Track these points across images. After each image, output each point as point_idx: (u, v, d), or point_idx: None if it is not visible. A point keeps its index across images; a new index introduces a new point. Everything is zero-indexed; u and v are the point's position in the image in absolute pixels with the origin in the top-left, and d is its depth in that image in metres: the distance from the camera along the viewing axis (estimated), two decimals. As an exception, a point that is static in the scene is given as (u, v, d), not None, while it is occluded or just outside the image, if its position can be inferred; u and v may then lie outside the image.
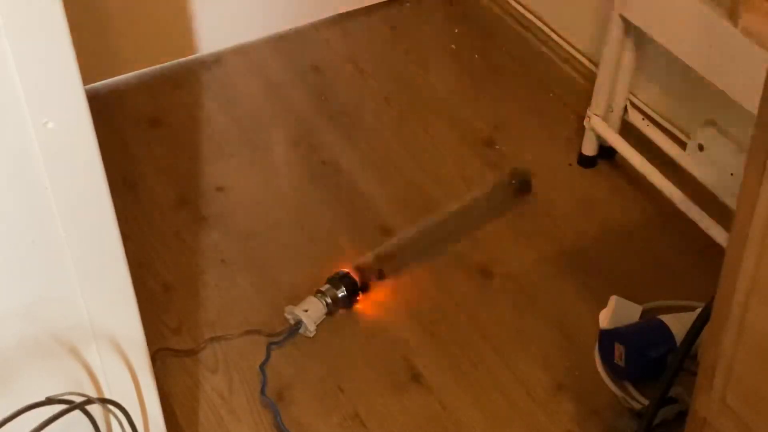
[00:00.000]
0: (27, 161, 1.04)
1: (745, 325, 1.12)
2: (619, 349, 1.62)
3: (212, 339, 1.72)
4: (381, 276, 1.80)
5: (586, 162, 2.04)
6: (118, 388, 1.28)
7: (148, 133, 2.11)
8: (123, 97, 2.20)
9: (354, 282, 1.76)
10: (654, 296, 1.75)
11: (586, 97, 2.01)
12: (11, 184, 1.05)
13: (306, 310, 1.72)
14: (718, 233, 1.74)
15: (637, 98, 1.99)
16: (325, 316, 1.74)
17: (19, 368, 1.19)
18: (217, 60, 2.29)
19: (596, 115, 1.97)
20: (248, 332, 1.73)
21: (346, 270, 1.77)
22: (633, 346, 1.61)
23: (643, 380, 1.63)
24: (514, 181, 1.98)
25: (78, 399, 1.15)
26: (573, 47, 2.18)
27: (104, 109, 2.12)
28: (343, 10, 2.40)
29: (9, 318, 1.14)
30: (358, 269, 1.78)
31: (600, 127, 1.97)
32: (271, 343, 1.70)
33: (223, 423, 1.61)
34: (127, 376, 1.28)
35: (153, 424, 1.37)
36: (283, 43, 2.34)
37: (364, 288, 1.77)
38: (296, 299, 1.74)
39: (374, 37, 2.38)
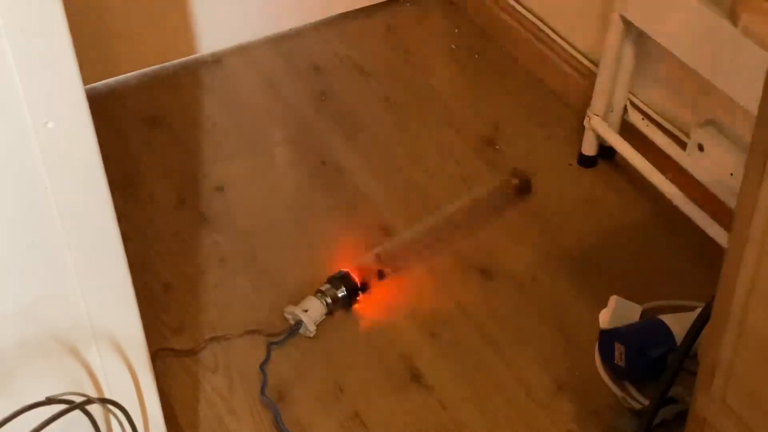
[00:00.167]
0: (27, 161, 1.04)
1: (745, 325, 1.12)
2: (619, 349, 1.62)
3: (212, 339, 1.72)
4: (381, 276, 1.80)
5: (586, 162, 2.04)
6: (118, 388, 1.28)
7: (148, 133, 2.11)
8: (123, 97, 2.20)
9: (354, 282, 1.76)
10: (654, 296, 1.75)
11: (586, 97, 2.01)
12: (11, 184, 1.05)
13: (306, 310, 1.72)
14: (718, 233, 1.74)
15: (637, 98, 1.99)
16: (325, 316, 1.74)
17: (19, 368, 1.19)
18: (217, 60, 2.29)
19: (596, 115, 1.97)
20: (248, 332, 1.73)
21: (346, 270, 1.77)
22: (633, 346, 1.61)
23: (643, 380, 1.63)
24: (514, 181, 1.98)
25: (78, 399, 1.15)
26: (573, 47, 2.17)
27: (104, 109, 2.12)
28: (343, 10, 2.40)
29: (9, 318, 1.14)
30: (358, 269, 1.78)
31: (600, 126, 1.97)
32: (271, 343, 1.70)
33: (223, 423, 1.61)
34: (127, 376, 1.28)
35: (153, 424, 1.37)
36: (283, 43, 2.34)
37: (364, 288, 1.77)
38: (296, 299, 1.75)
39: (374, 37, 2.38)
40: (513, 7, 2.31)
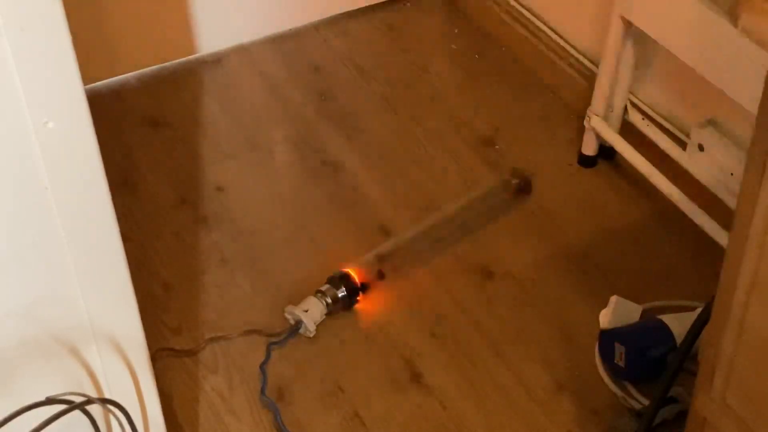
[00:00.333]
0: (27, 161, 1.04)
1: (745, 325, 1.12)
2: (619, 349, 1.62)
3: (212, 339, 1.72)
4: (381, 276, 1.80)
5: (586, 162, 2.04)
6: (118, 388, 1.28)
7: (148, 133, 2.11)
8: (123, 97, 2.20)
9: (354, 282, 1.76)
10: (654, 296, 1.76)
11: (586, 97, 2.01)
12: (11, 183, 1.05)
13: (306, 310, 1.72)
14: (718, 233, 1.74)
15: (637, 98, 1.99)
16: (325, 316, 1.74)
17: (19, 368, 1.19)
18: (217, 60, 2.29)
19: (596, 115, 1.97)
20: (248, 332, 1.73)
21: (346, 270, 1.77)
22: (633, 346, 1.61)
23: (643, 380, 1.63)
24: (514, 181, 1.98)
25: (78, 399, 1.15)
26: (573, 47, 2.18)
27: (104, 109, 2.12)
28: (343, 10, 2.40)
29: (9, 318, 1.14)
30: (358, 269, 1.78)
31: (600, 127, 1.97)
32: (271, 343, 1.70)
33: (223, 423, 1.61)
34: (127, 376, 1.28)
35: (153, 424, 1.37)
36: (283, 43, 2.34)
37: (364, 288, 1.77)
38: (296, 299, 1.74)
39: (374, 37, 2.38)
40: (513, 7, 2.31)
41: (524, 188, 1.98)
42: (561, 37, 2.20)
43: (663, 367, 1.58)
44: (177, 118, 2.15)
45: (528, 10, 2.28)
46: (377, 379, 1.68)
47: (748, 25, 0.90)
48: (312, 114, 2.17)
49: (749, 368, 1.14)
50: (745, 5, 0.90)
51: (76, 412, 1.16)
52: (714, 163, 1.79)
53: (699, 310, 1.50)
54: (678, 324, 1.62)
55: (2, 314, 1.13)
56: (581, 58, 2.15)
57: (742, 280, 1.09)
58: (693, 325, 1.45)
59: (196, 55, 2.29)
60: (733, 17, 0.91)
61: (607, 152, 2.02)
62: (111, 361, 1.26)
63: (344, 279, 1.75)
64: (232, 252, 1.87)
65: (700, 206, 1.79)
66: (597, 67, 1.97)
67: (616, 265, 1.84)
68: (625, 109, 1.95)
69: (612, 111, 1.96)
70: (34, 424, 1.09)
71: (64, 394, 1.16)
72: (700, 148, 1.81)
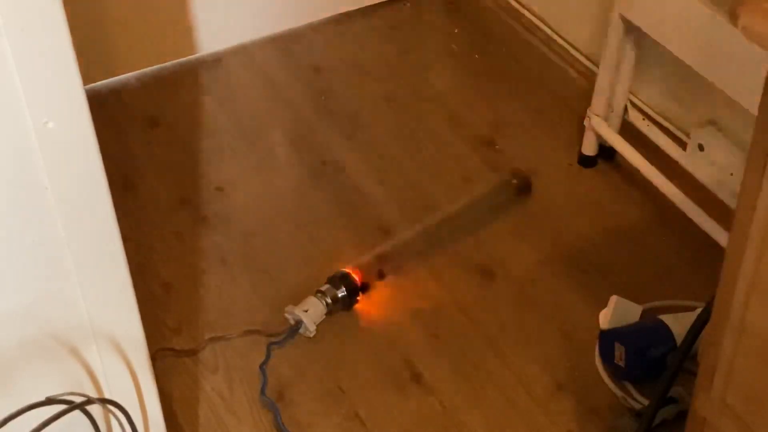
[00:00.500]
0: (27, 161, 1.04)
1: (745, 325, 1.12)
2: (619, 349, 1.62)
3: (212, 339, 1.72)
4: (381, 276, 1.80)
5: (586, 162, 2.04)
6: (118, 388, 1.28)
7: (148, 133, 2.11)
8: (123, 97, 2.20)
9: (354, 282, 1.76)
10: (654, 296, 1.76)
11: (586, 97, 2.01)
12: (11, 184, 1.05)
13: (306, 310, 1.72)
14: (718, 233, 1.74)
15: (637, 98, 1.99)
16: (325, 316, 1.74)
17: (19, 368, 1.19)
18: (217, 60, 2.29)
19: (596, 115, 1.97)
20: (248, 332, 1.73)
21: (346, 270, 1.77)
22: (633, 346, 1.61)
23: (643, 380, 1.63)
24: (514, 181, 1.98)
25: (78, 399, 1.15)
26: (573, 47, 2.18)
27: (104, 109, 2.12)
28: (343, 10, 2.40)
29: (9, 318, 1.14)
30: (358, 269, 1.78)
31: (600, 127, 1.97)
32: (271, 343, 1.70)
33: (223, 423, 1.61)
34: (127, 376, 1.28)
35: (153, 424, 1.37)
36: (283, 43, 2.34)
37: (364, 288, 1.77)
38: (296, 299, 1.74)
39: (374, 37, 2.38)
40: (513, 7, 2.31)
41: (524, 188, 1.98)
42: (561, 37, 2.20)
43: (663, 367, 1.58)
44: (177, 118, 2.15)
45: (528, 10, 2.28)
46: (377, 379, 1.68)
47: (748, 25, 0.90)
48: (312, 114, 2.17)
49: (749, 368, 1.14)
50: (745, 5, 0.90)
51: (76, 412, 1.16)
52: (714, 163, 1.79)
53: (699, 310, 1.50)
54: (678, 324, 1.62)
55: (2, 314, 1.13)
56: (581, 58, 2.15)
57: (742, 280, 1.09)
58: (693, 325, 1.45)
59: (196, 55, 2.29)
60: (733, 17, 0.91)
61: (607, 152, 2.02)
62: (111, 361, 1.26)
63: (344, 279, 1.75)
64: (232, 252, 1.87)
65: (700, 206, 1.79)
66: (597, 67, 1.97)
67: (616, 265, 1.84)
68: (625, 109, 1.95)
69: (612, 111, 1.96)
70: (34, 424, 1.09)
71: (64, 394, 1.16)
72: (700, 148, 1.81)
